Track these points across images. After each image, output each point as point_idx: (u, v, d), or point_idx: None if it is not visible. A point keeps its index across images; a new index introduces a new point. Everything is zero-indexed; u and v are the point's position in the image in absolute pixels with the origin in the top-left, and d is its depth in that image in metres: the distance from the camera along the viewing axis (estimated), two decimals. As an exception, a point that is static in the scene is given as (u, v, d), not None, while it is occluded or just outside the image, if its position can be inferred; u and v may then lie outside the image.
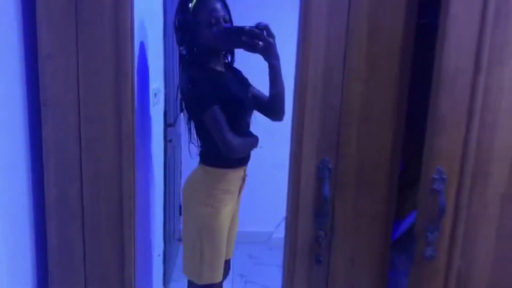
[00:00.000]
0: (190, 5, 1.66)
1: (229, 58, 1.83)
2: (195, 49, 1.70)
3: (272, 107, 1.74)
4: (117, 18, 1.01)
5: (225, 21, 1.65)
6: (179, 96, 1.82)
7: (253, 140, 1.77)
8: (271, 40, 1.53)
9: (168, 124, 2.57)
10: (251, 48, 1.53)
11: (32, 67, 1.03)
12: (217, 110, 1.61)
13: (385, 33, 1.08)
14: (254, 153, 1.84)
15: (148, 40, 1.99)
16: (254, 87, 1.83)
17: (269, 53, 1.55)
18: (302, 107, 1.09)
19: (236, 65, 1.86)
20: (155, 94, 2.31)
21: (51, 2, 1.00)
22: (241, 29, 1.54)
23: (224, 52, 1.79)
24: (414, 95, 1.17)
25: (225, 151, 1.64)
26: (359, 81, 1.10)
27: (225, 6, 1.70)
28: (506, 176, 1.11)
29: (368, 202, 1.15)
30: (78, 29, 1.01)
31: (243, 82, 1.83)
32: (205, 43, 1.66)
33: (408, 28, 1.08)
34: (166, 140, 2.56)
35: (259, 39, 1.51)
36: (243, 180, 1.86)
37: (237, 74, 1.84)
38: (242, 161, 1.79)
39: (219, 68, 1.75)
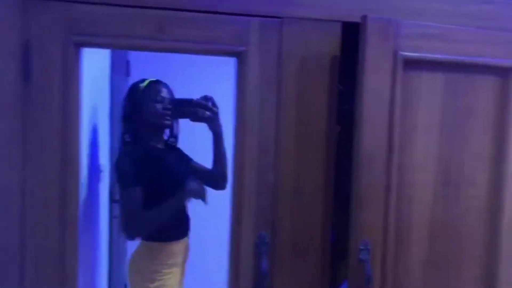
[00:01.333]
0: (141, 85, 1.83)
1: (169, 137, 1.94)
2: (138, 127, 1.81)
3: (215, 175, 1.88)
4: (65, 108, 1.09)
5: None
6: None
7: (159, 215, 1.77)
8: (215, 109, 1.75)
9: (114, 200, 2.58)
10: (198, 117, 1.74)
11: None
12: (134, 191, 1.71)
13: (311, 117, 1.22)
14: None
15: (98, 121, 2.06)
16: (195, 162, 1.98)
17: (213, 122, 1.76)
18: (240, 187, 1.18)
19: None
20: (101, 171, 2.34)
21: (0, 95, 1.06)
22: (189, 101, 1.76)
23: (165, 130, 1.90)
24: (341, 172, 1.30)
25: (122, 229, 1.76)
26: (290, 161, 1.21)
27: (172, 94, 1.90)
28: (426, 244, 1.24)
29: (304, 272, 1.23)
30: (27, 121, 1.07)
31: (182, 158, 1.94)
32: (150, 119, 1.78)
33: (330, 111, 1.22)
34: (112, 216, 2.56)
35: (205, 109, 1.72)
36: (187, 250, 1.90)
37: (177, 151, 1.96)
38: (181, 232, 1.86)
39: (160, 145, 1.86)
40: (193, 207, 1.91)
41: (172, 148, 1.94)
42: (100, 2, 1.08)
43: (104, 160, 2.46)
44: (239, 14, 1.16)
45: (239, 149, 1.18)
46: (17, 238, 1.09)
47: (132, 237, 1.86)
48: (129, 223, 1.73)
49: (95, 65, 2.02)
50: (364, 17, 1.12)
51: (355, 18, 1.18)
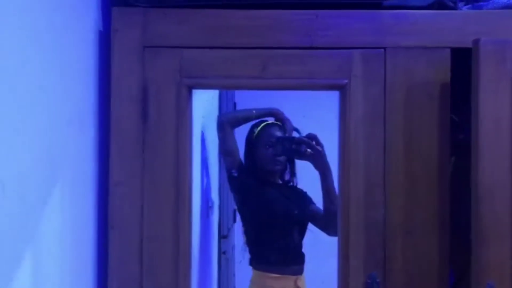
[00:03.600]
0: (255, 129, 1.91)
1: (288, 177, 1.97)
2: (252, 170, 1.88)
3: (326, 220, 1.82)
4: (179, 148, 1.15)
5: None
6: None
7: None
8: (319, 148, 1.70)
9: (222, 236, 2.65)
10: (300, 155, 1.73)
11: (102, 193, 1.18)
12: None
13: (421, 150, 1.15)
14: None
15: (207, 151, 2.18)
16: (314, 205, 1.94)
17: (318, 161, 1.72)
18: (347, 224, 1.15)
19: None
20: (211, 206, 2.43)
21: (123, 136, 1.16)
22: (291, 138, 1.78)
23: (280, 173, 1.96)
24: (461, 206, 1.21)
25: None
26: (400, 196, 1.15)
27: (283, 131, 1.92)
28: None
29: (420, 318, 1.14)
30: (145, 158, 1.15)
31: (301, 199, 1.93)
32: (262, 164, 1.84)
33: (442, 143, 1.15)
34: (220, 251, 2.63)
35: (308, 147, 1.68)
36: None
37: (296, 192, 1.96)
38: (291, 268, 1.85)
39: (273, 186, 1.89)
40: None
41: (290, 189, 1.96)
42: (208, 46, 1.15)
43: (214, 195, 2.56)
44: (340, 47, 1.16)
45: (344, 185, 1.15)
46: (137, 272, 1.16)
47: None
48: None
49: (207, 110, 2.15)
50: (477, 41, 1.05)
51: (465, 43, 1.12)
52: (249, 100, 3.28)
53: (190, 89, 1.16)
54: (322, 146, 1.72)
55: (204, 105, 2.04)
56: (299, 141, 1.73)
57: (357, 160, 1.15)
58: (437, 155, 1.15)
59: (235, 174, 1.91)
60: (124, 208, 1.16)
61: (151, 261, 1.15)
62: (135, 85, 1.15)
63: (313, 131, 1.77)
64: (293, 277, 1.88)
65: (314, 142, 1.72)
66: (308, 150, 1.70)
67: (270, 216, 1.84)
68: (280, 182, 1.98)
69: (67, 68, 1.00)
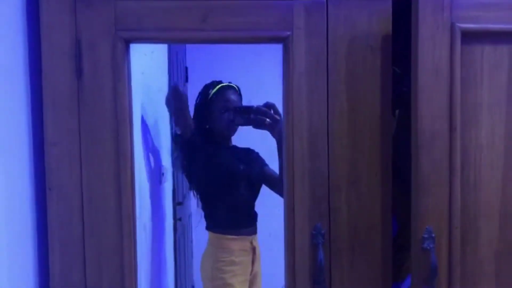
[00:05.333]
0: (210, 91, 1.85)
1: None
2: (206, 132, 1.87)
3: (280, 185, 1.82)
4: (117, 105, 1.11)
5: None
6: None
7: None
8: (277, 117, 1.68)
9: (177, 203, 2.62)
10: (259, 125, 1.71)
11: (39, 154, 1.12)
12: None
13: (364, 101, 1.16)
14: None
15: (156, 121, 2.12)
16: (268, 167, 1.93)
17: (276, 130, 1.70)
18: (291, 176, 1.15)
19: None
20: (163, 173, 2.39)
21: (56, 93, 1.10)
22: (249, 108, 1.75)
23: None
24: (404, 158, 1.23)
25: None
26: (344, 147, 1.16)
27: (239, 96, 1.97)
28: (496, 232, 1.13)
29: (364, 266, 1.17)
30: (81, 118, 1.10)
31: (255, 162, 1.93)
32: (216, 127, 1.82)
33: (385, 94, 1.16)
34: (176, 219, 2.60)
35: (266, 117, 1.65)
36: (253, 252, 1.90)
37: (246, 152, 1.97)
38: (244, 228, 1.86)
39: (224, 144, 1.88)
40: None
41: (242, 150, 1.96)
42: (144, -3, 1.10)
43: (166, 162, 2.51)
44: (282, -2, 1.13)
45: (289, 137, 1.15)
46: (79, 233, 1.12)
47: None
48: None
49: (147, 66, 2.07)
50: (415, -11, 1.05)
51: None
52: (201, 64, 3.22)
53: (127, 43, 1.10)
54: (280, 115, 1.69)
55: (143, 60, 1.95)
56: (258, 111, 1.70)
57: (301, 112, 1.14)
58: (380, 106, 1.16)
59: (179, 132, 1.88)
60: (62, 169, 1.11)
61: (93, 223, 1.12)
62: (67, 39, 1.09)
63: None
64: (249, 237, 1.90)
65: (272, 111, 1.70)
66: (267, 120, 1.68)
67: (220, 178, 1.83)
68: (232, 144, 1.96)
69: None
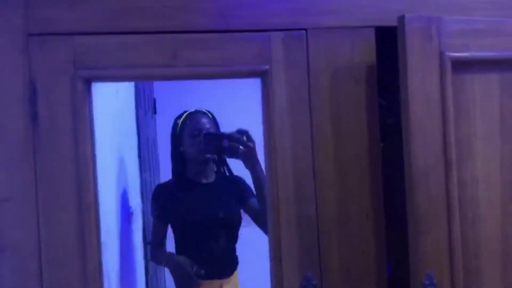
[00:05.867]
0: (178, 120, 1.78)
1: (223, 169, 1.83)
2: (178, 161, 1.73)
3: (262, 218, 1.67)
4: (78, 151, 0.99)
5: None
6: None
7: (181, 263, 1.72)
8: (250, 144, 1.54)
9: (148, 242, 2.48)
10: (232, 153, 1.57)
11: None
12: (154, 225, 1.82)
13: (350, 136, 1.08)
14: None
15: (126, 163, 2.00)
16: (255, 200, 1.73)
17: (250, 159, 1.55)
18: (277, 221, 1.04)
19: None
20: (132, 213, 2.27)
21: (8, 141, 0.98)
22: (220, 135, 1.61)
23: (216, 163, 1.80)
24: (391, 194, 1.15)
25: None
26: (331, 188, 1.07)
27: (213, 122, 1.78)
28: (499, 271, 1.06)
29: (359, 315, 1.07)
30: (37, 168, 0.97)
31: (239, 193, 1.78)
32: (190, 155, 1.68)
33: (372, 127, 1.08)
34: (147, 259, 2.45)
35: (239, 144, 1.52)
36: None
37: (231, 185, 1.80)
38: (211, 273, 1.72)
39: (204, 180, 1.75)
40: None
41: (228, 181, 1.80)
42: (107, 31, 0.99)
43: (135, 201, 2.38)
44: (259, 30, 1.05)
45: (272, 179, 1.05)
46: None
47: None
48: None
49: (119, 105, 1.94)
50: (401, 18, 0.99)
51: (390, 21, 1.05)
52: (169, 95, 3.11)
53: (88, 83, 0.99)
54: (253, 143, 1.55)
55: (110, 99, 1.81)
56: (230, 138, 1.56)
57: (284, 151, 1.05)
58: (367, 141, 1.08)
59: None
60: (16, 228, 0.97)
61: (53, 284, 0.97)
62: (20, 81, 0.97)
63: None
64: (218, 281, 1.76)
65: (245, 138, 1.56)
66: (241, 147, 1.54)
67: (195, 225, 1.69)
68: (211, 180, 1.78)
69: None
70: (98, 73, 0.99)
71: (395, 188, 1.12)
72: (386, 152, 1.25)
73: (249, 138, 1.55)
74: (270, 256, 1.06)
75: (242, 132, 1.56)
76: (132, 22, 1.01)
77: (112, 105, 1.74)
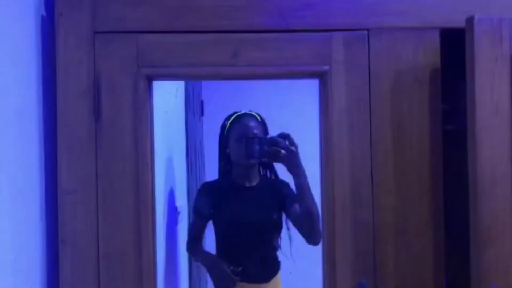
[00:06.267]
0: (226, 122, 1.77)
1: (268, 172, 1.82)
2: (224, 162, 1.78)
3: (304, 228, 1.61)
4: (138, 149, 1.01)
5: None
6: None
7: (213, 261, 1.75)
8: (293, 148, 1.49)
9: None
10: (273, 157, 1.53)
11: (51, 202, 1.01)
12: (194, 219, 1.83)
13: (411, 142, 1.04)
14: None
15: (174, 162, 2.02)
16: (297, 205, 1.66)
17: (292, 163, 1.49)
18: (332, 227, 1.02)
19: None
20: (179, 213, 2.28)
21: (72, 137, 1.00)
22: (262, 139, 1.58)
23: (260, 167, 1.80)
24: (451, 204, 1.10)
25: None
26: (390, 194, 1.04)
27: (262, 125, 1.75)
28: None
29: (415, 327, 1.03)
30: (98, 163, 1.00)
31: (276, 200, 1.76)
32: (233, 157, 1.73)
33: (434, 133, 1.04)
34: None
35: (280, 148, 1.49)
36: None
37: (275, 190, 1.78)
38: (251, 277, 1.70)
39: (247, 183, 1.75)
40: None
41: (272, 185, 1.78)
42: (170, 30, 1.01)
43: (182, 201, 2.40)
44: (319, 30, 1.04)
45: (328, 183, 1.03)
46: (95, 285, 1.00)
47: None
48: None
49: (171, 105, 1.98)
50: (470, 19, 0.95)
51: (456, 22, 1.01)
52: (217, 97, 3.13)
53: (149, 80, 1.01)
54: (296, 147, 1.50)
55: (167, 98, 1.84)
56: (271, 142, 1.50)
57: (341, 155, 1.03)
58: (429, 147, 1.04)
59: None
60: (77, 220, 1.00)
61: (110, 281, 0.99)
62: (85, 77, 0.99)
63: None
64: (257, 285, 1.74)
65: (287, 142, 1.50)
66: (282, 151, 1.48)
67: (238, 228, 1.69)
68: (254, 183, 1.77)
69: (3, 60, 0.84)
70: (160, 71, 1.01)
71: (454, 196, 1.07)
72: (446, 159, 1.20)
73: (292, 142, 1.50)
74: (323, 261, 1.04)
75: (284, 136, 1.51)
76: (193, 21, 1.02)
77: (172, 103, 1.77)
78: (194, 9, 1.02)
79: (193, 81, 1.93)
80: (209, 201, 1.78)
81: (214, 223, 1.81)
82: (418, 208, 1.04)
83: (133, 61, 0.99)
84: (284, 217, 1.74)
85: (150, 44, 1.00)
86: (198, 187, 2.54)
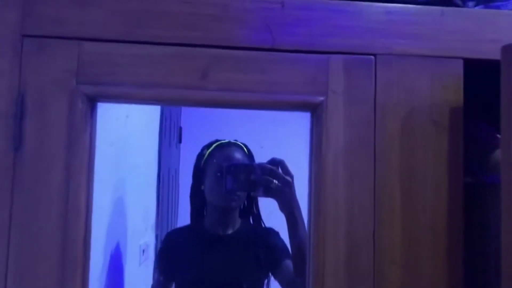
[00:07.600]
0: (205, 151, 1.46)
1: (251, 217, 1.51)
2: (197, 202, 1.45)
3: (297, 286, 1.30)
4: (69, 189, 0.76)
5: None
6: None
7: None
8: (288, 178, 1.19)
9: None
10: (263, 190, 1.20)
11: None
12: (157, 278, 1.48)
13: (424, 197, 0.82)
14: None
15: (131, 196, 1.77)
16: (289, 263, 1.34)
17: (286, 197, 1.18)
18: (320, 305, 0.78)
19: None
20: (143, 251, 2.04)
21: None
22: (249, 166, 1.25)
23: (242, 209, 1.48)
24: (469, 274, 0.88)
25: None
26: (396, 264, 0.81)
27: (248, 158, 1.44)
28: None
29: None
30: (14, 206, 0.75)
31: (259, 254, 1.44)
32: (209, 196, 1.40)
33: (454, 188, 0.82)
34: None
35: (272, 178, 1.19)
36: None
37: (258, 241, 1.45)
38: None
39: (220, 231, 1.44)
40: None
41: (255, 234, 1.46)
42: (123, 39, 0.78)
43: (149, 237, 2.16)
44: (314, 51, 0.82)
45: (318, 247, 0.79)
46: None
47: None
48: None
49: (120, 135, 1.68)
50: (508, 47, 0.74)
51: (480, 53, 0.81)
52: (198, 124, 2.90)
53: (91, 102, 0.77)
54: (291, 177, 1.20)
55: (115, 126, 1.50)
56: (260, 170, 1.20)
57: (337, 208, 0.80)
58: (447, 205, 0.82)
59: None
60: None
61: None
62: (5, 93, 0.76)
63: (286, 160, 1.25)
64: None
65: (280, 170, 1.20)
66: (274, 181, 1.18)
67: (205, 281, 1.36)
68: (230, 231, 1.46)
69: None
70: (106, 90, 0.77)
71: (472, 264, 0.85)
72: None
73: (286, 170, 1.20)
74: None
75: (276, 163, 1.21)
76: (155, 29, 0.79)
77: (120, 133, 1.49)
78: (158, 15, 0.80)
79: (148, 105, 1.66)
80: (173, 256, 1.44)
81: (176, 285, 1.47)
82: (432, 285, 0.80)
83: (71, 76, 0.76)
84: (270, 278, 1.41)
85: (96, 55, 0.77)
86: (168, 230, 2.27)
